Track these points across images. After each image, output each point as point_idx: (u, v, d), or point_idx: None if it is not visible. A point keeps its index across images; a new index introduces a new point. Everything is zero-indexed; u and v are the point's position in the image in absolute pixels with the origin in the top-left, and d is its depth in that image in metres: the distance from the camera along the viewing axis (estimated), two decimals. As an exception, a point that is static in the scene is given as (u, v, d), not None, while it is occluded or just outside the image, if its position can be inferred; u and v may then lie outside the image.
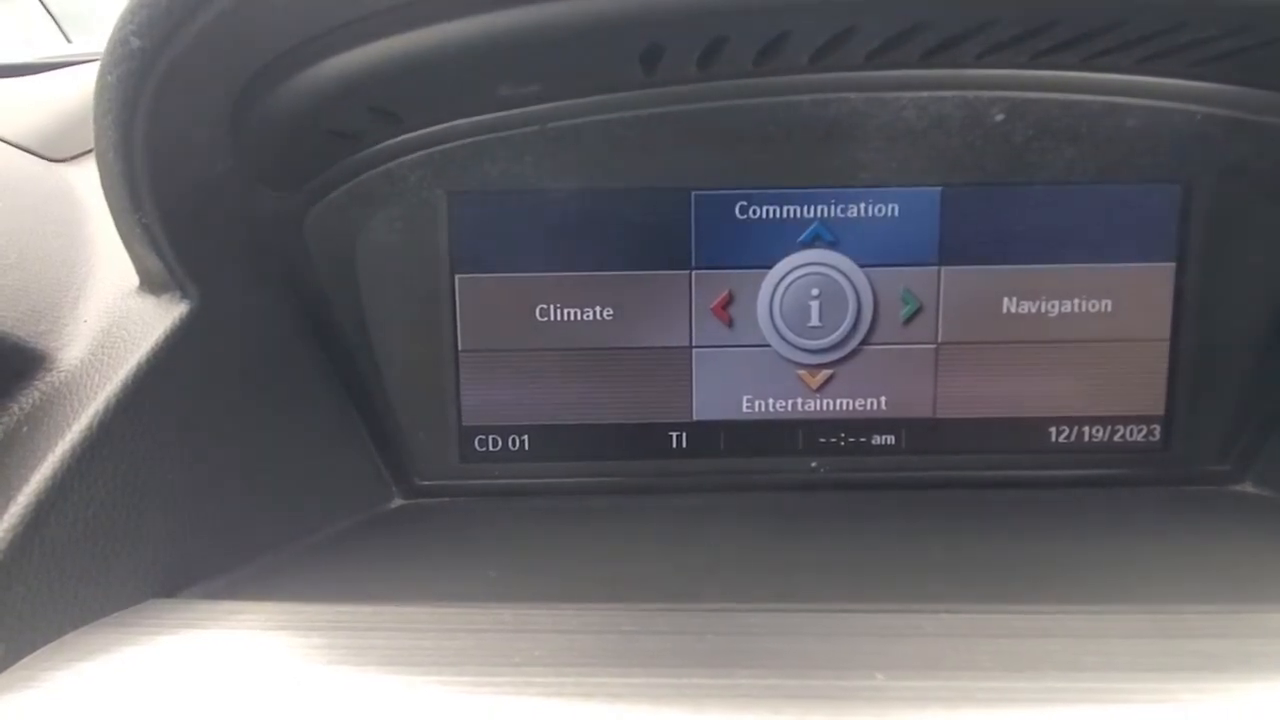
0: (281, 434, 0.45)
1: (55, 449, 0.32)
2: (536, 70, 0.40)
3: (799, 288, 0.52)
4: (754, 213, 0.51)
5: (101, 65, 0.30)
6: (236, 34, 0.30)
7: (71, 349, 0.38)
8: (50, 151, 0.62)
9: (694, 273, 0.52)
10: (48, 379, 0.37)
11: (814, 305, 0.52)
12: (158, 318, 0.37)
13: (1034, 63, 0.43)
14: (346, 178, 0.46)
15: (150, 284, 0.39)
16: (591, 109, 0.46)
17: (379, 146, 0.45)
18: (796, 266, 0.52)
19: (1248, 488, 0.53)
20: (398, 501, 0.53)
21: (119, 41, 0.29)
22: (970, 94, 0.47)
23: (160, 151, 0.32)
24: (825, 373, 0.53)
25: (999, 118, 0.48)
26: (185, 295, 0.38)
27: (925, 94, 0.47)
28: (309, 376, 0.48)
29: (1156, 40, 0.39)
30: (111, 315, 0.39)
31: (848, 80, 0.45)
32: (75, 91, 0.69)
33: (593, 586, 0.38)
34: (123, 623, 0.32)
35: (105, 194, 0.35)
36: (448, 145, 0.46)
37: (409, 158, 0.47)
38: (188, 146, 0.34)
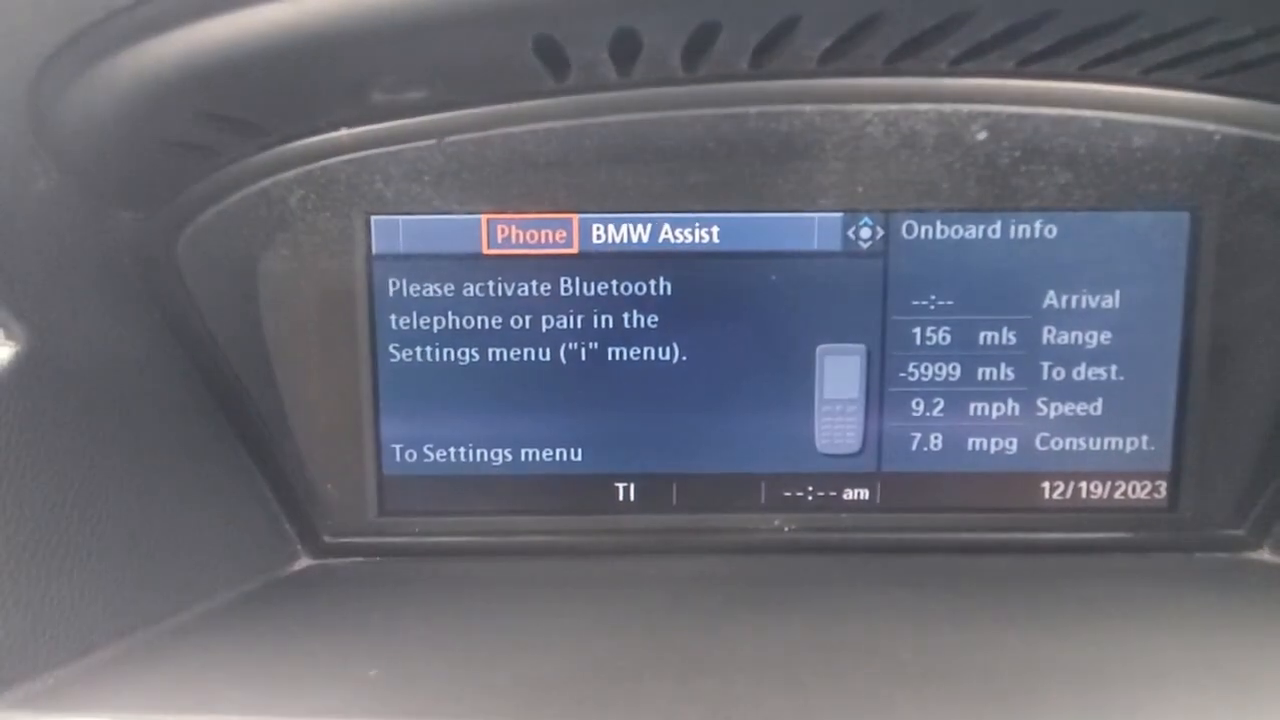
0: (154, 492, 0.39)
1: None
2: (410, 71, 0.34)
3: (762, 323, 0.47)
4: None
5: None
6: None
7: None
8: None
9: (643, 306, 0.47)
10: None
11: (778, 342, 0.47)
12: (-23, 361, 0.31)
13: (1021, 71, 0.38)
14: (215, 198, 0.40)
15: (-21, 320, 0.33)
16: (495, 120, 0.40)
17: (245, 162, 0.39)
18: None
19: (1265, 555, 0.48)
20: (303, 562, 0.48)
21: None
22: (946, 107, 0.42)
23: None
24: (791, 419, 0.48)
25: (980, 136, 0.43)
26: (10, 335, 0.32)
27: (893, 107, 0.42)
28: (193, 423, 0.43)
29: (1172, 43, 0.33)
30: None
31: (801, 89, 0.40)
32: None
33: (491, 694, 0.31)
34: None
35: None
36: (328, 161, 0.40)
37: (285, 175, 0.41)
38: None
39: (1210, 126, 0.42)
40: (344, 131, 0.38)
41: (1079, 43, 0.34)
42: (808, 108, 0.41)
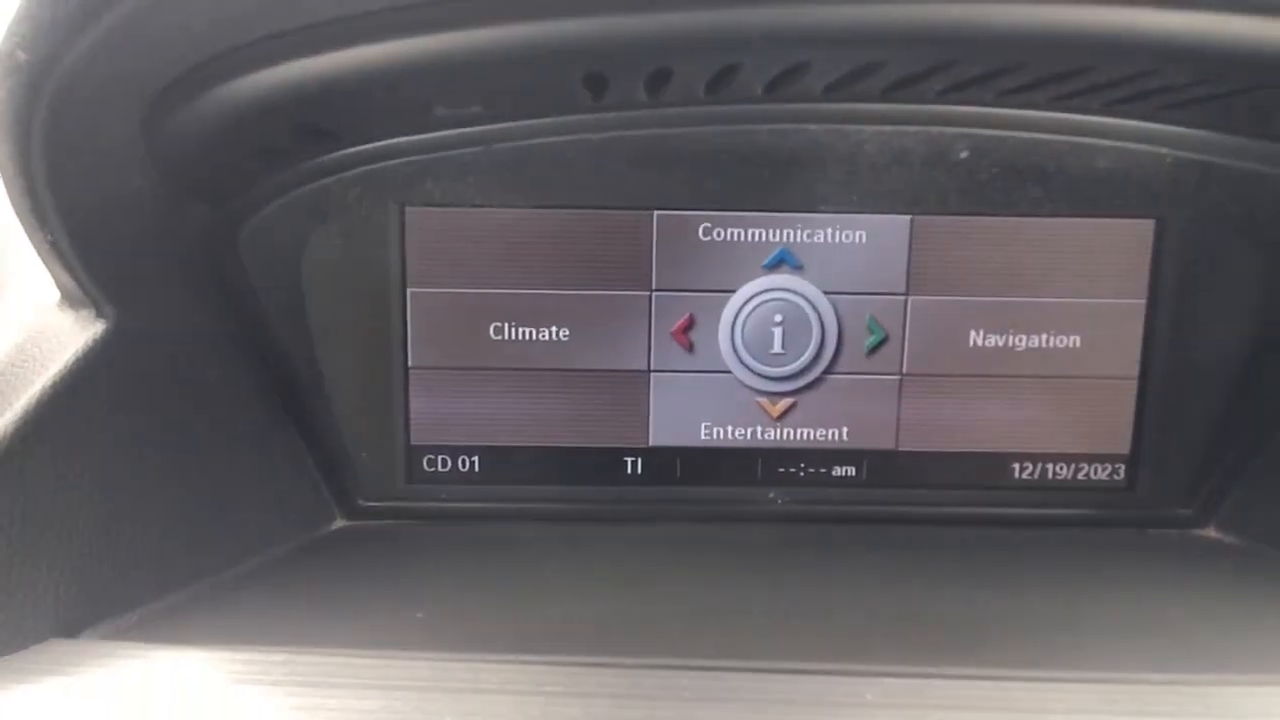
0: (213, 456, 0.43)
1: (-56, 482, 0.30)
2: (474, 93, 0.38)
3: (762, 314, 0.51)
4: (718, 234, 0.50)
5: (-7, 76, 0.28)
6: (135, 48, 0.27)
7: (-21, 365, 0.36)
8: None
9: (654, 294, 0.50)
10: (-50, 398, 0.34)
11: (777, 332, 0.51)
12: (71, 337, 0.35)
13: (1000, 101, 0.42)
14: (280, 192, 0.44)
15: (68, 299, 0.37)
16: (538, 131, 0.44)
17: (314, 162, 0.43)
18: (760, 292, 0.51)
19: (1211, 533, 0.52)
20: (340, 523, 0.52)
21: (5, 54, 0.27)
22: (934, 130, 0.46)
23: (62, 167, 0.30)
24: (786, 401, 0.52)
25: (963, 155, 0.47)
26: (100, 314, 0.36)
27: (887, 128, 0.46)
28: (246, 395, 0.46)
29: (1125, 85, 0.37)
30: (27, 330, 0.37)
31: (806, 111, 0.44)
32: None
33: (523, 635, 0.36)
34: (12, 667, 0.30)
35: (11, 207, 0.32)
36: (387, 163, 0.44)
37: (346, 174, 0.45)
38: (95, 162, 0.32)
39: (1164, 150, 0.46)
40: (404, 138, 0.42)
41: (1046, 83, 0.38)
42: (812, 127, 0.45)
